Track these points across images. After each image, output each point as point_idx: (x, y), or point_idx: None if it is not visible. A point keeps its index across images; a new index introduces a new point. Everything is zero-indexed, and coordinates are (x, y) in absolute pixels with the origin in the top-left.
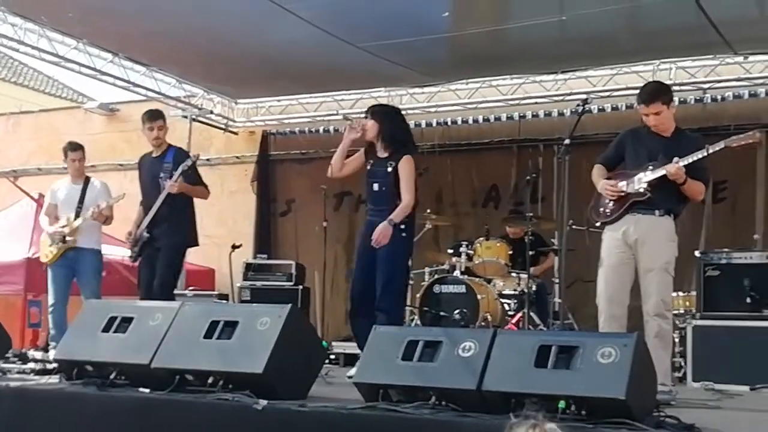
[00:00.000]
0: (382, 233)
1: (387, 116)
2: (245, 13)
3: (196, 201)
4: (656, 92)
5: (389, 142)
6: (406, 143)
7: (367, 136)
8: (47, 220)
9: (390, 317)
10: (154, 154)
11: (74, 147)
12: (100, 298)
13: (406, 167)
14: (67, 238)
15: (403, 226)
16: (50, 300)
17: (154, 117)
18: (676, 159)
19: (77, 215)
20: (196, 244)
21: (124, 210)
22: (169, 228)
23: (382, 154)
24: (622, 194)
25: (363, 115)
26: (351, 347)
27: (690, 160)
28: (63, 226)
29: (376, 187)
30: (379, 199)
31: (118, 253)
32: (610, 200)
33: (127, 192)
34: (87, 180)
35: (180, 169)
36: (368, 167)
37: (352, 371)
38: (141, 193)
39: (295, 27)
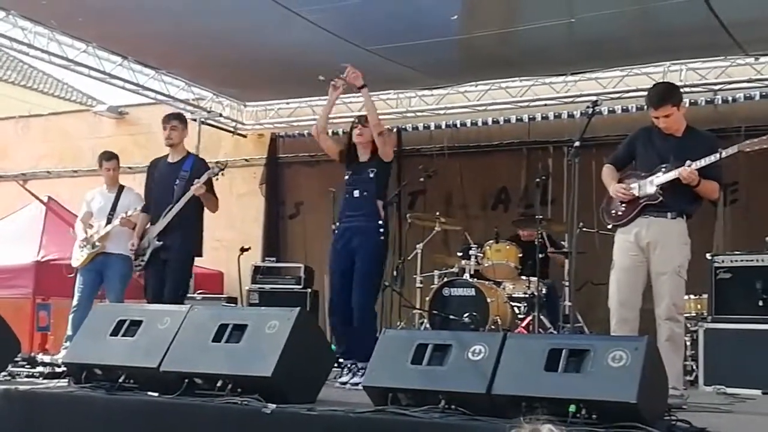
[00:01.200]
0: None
1: None
2: (254, 17)
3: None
4: (665, 95)
5: (376, 148)
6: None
7: (360, 140)
8: (82, 226)
9: (366, 326)
10: (169, 159)
11: (108, 157)
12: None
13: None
14: (96, 244)
15: (381, 230)
16: (74, 302)
17: (168, 118)
18: (688, 162)
19: (108, 222)
20: (201, 255)
21: None
22: (180, 237)
23: (363, 158)
24: (634, 197)
25: (354, 126)
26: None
27: (702, 164)
28: (93, 233)
29: (356, 193)
30: (360, 204)
31: None
32: (622, 202)
33: None
34: (121, 188)
35: (206, 174)
36: (347, 175)
37: (345, 378)
38: (146, 199)
39: (304, 30)
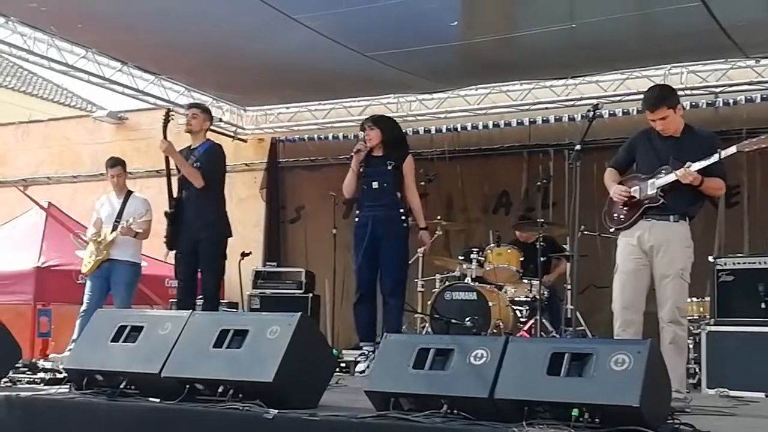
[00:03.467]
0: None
1: (387, 121)
2: (253, 22)
3: None
4: (661, 98)
5: (392, 144)
6: (402, 143)
7: (372, 143)
8: (92, 231)
9: (399, 302)
10: (191, 146)
11: (112, 164)
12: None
13: (410, 167)
14: (102, 251)
15: (403, 217)
16: (83, 307)
17: (190, 105)
18: (688, 164)
19: (114, 228)
20: (231, 235)
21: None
22: (208, 221)
23: (377, 153)
24: (636, 200)
25: (361, 130)
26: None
27: (702, 165)
28: (99, 239)
29: (375, 185)
30: (379, 195)
31: None
32: (624, 206)
33: None
34: (128, 194)
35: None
36: (362, 169)
37: (362, 366)
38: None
39: (304, 36)
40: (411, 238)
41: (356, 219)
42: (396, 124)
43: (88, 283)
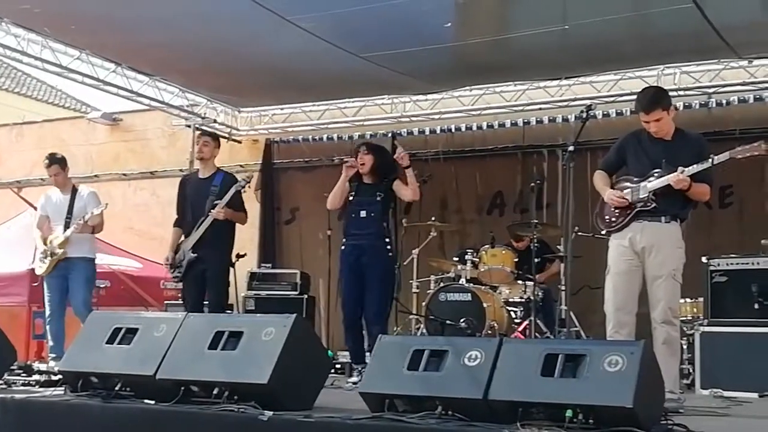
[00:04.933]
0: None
1: (380, 150)
2: (247, 24)
3: None
4: (655, 99)
5: (380, 173)
6: (392, 168)
7: (363, 169)
8: (39, 233)
9: (382, 329)
10: (200, 175)
11: (47, 164)
12: (91, 307)
13: (398, 184)
14: (58, 250)
15: (389, 247)
16: (47, 312)
17: (201, 134)
18: (681, 169)
19: (66, 226)
20: (233, 265)
21: (138, 222)
22: (216, 249)
23: (368, 180)
24: (627, 202)
25: (355, 153)
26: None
27: (694, 171)
28: (53, 238)
29: (363, 213)
30: (366, 224)
31: (123, 263)
32: (615, 208)
33: (130, 202)
34: (75, 190)
35: (233, 188)
36: (351, 197)
37: (355, 378)
38: (179, 213)
39: (298, 37)
40: (407, 240)
41: (342, 247)
42: (388, 153)
43: (46, 285)
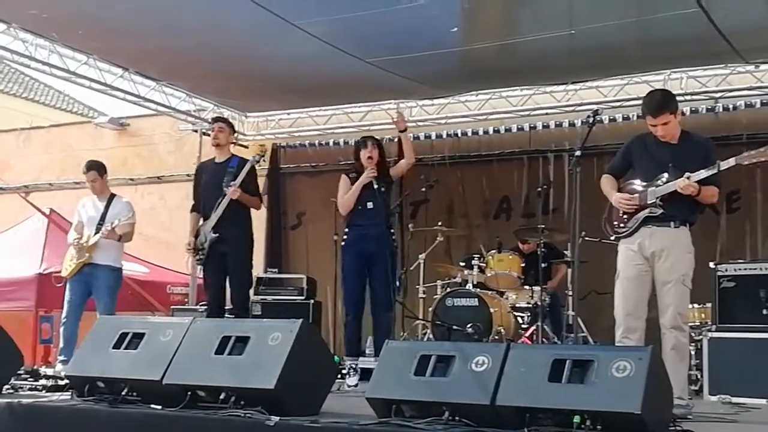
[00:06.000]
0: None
1: (381, 143)
2: (254, 29)
3: None
4: (663, 103)
5: (384, 165)
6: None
7: (373, 163)
8: (74, 235)
9: (392, 315)
10: (216, 160)
11: (86, 169)
12: (113, 315)
13: (396, 167)
14: (85, 254)
15: (393, 237)
16: (63, 313)
17: (216, 119)
18: (687, 174)
19: (97, 231)
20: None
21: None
22: (236, 228)
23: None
24: (636, 207)
25: (363, 146)
26: (363, 362)
27: (701, 176)
28: (81, 241)
29: (370, 205)
30: (374, 213)
31: (129, 268)
32: (624, 213)
33: (138, 206)
34: (111, 197)
35: (243, 172)
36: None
37: (353, 380)
38: (196, 199)
39: (305, 42)
40: (414, 245)
41: (345, 237)
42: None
43: (68, 287)
